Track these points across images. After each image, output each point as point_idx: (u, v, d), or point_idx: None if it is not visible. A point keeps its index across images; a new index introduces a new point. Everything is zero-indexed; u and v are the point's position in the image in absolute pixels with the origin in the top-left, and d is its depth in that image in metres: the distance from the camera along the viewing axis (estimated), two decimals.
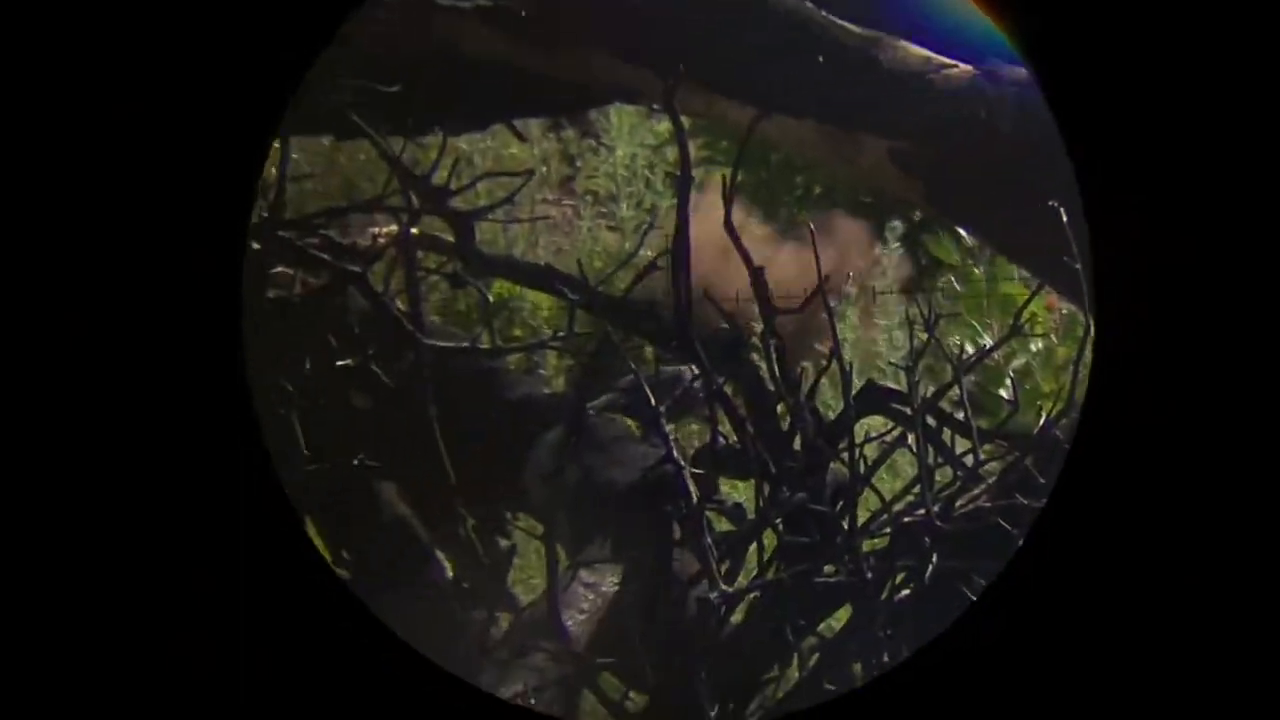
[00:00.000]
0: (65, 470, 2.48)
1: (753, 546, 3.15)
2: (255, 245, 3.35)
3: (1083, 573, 2.55)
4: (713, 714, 2.84)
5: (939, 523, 3.01)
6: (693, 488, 3.10)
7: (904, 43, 3.56)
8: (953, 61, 3.45)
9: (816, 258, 3.10)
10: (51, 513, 2.47)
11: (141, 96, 2.55)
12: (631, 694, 3.22)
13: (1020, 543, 2.88)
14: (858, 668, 3.03)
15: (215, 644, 2.50)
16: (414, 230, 3.52)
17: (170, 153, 2.56)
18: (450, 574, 3.69)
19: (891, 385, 3.47)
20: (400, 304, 3.49)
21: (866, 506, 3.16)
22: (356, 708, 2.58)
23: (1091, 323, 2.98)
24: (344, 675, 2.57)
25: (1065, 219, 2.92)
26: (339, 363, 3.44)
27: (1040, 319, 5.85)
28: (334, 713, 2.56)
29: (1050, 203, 2.95)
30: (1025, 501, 3.01)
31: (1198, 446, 2.53)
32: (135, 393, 2.52)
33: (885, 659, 2.98)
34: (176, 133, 2.56)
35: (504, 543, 3.73)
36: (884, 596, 3.03)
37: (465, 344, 3.62)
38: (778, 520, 3.10)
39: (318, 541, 4.03)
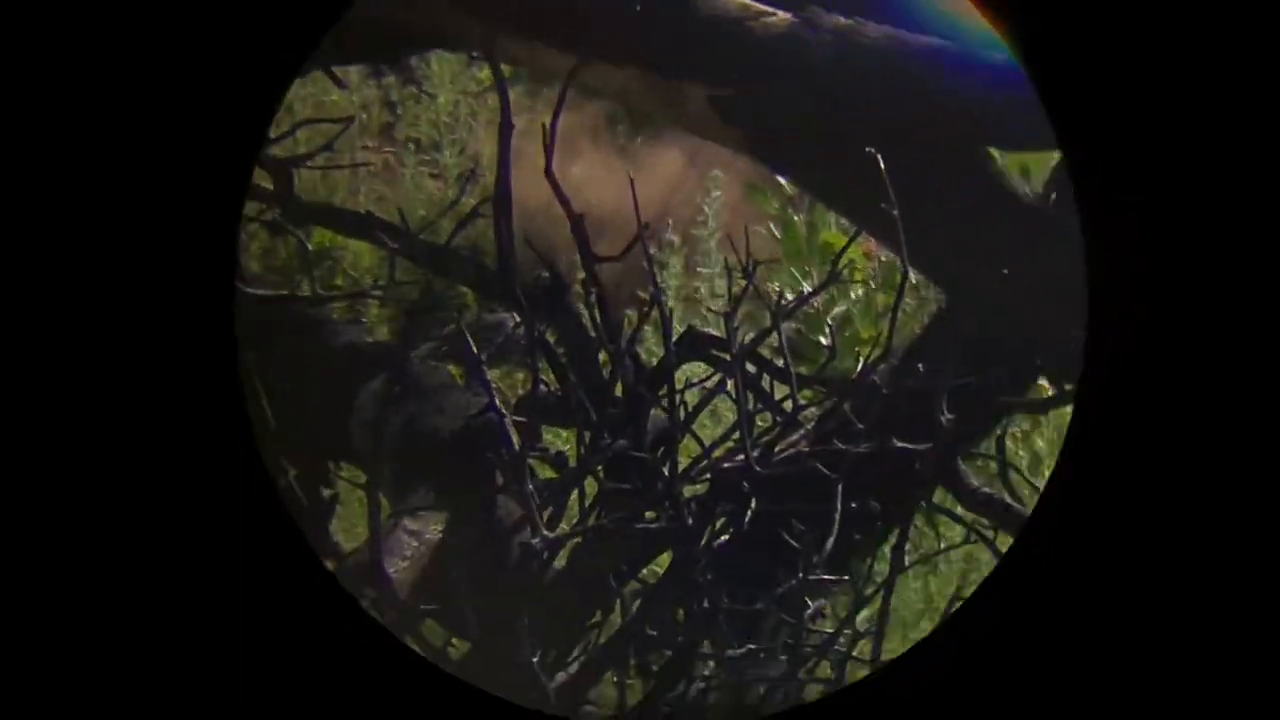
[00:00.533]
0: (60, 469, 2.45)
1: (575, 493, 3.16)
2: None
3: (1079, 572, 2.56)
4: (535, 659, 2.85)
5: (758, 468, 3.04)
6: (515, 435, 3.10)
7: None
8: (771, 9, 3.46)
9: (636, 206, 3.11)
10: (50, 511, 2.44)
11: (126, 101, 2.51)
12: (454, 640, 3.23)
13: (841, 494, 2.92)
14: (680, 613, 3.06)
15: (211, 640, 2.48)
16: None
17: (158, 148, 2.52)
18: None
19: (712, 331, 3.49)
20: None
21: (687, 453, 3.19)
22: (352, 705, 2.56)
23: (908, 270, 3.02)
24: (338, 673, 2.55)
25: (882, 165, 2.95)
26: None
27: (859, 266, 5.91)
28: (331, 711, 2.54)
29: (867, 149, 2.98)
30: (843, 447, 3.05)
31: (1193, 446, 2.54)
32: (128, 388, 2.48)
33: (705, 604, 3.01)
34: (163, 131, 2.52)
35: (326, 491, 3.72)
36: (704, 542, 3.06)
37: (284, 292, 3.60)
38: (599, 467, 3.12)
39: None
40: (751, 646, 2.98)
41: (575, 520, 3.17)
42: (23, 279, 2.47)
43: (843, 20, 3.39)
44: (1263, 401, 2.53)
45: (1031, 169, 3.35)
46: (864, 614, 3.07)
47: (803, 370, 3.27)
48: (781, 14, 3.46)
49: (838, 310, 5.95)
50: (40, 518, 2.45)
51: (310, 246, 3.98)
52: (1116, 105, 2.59)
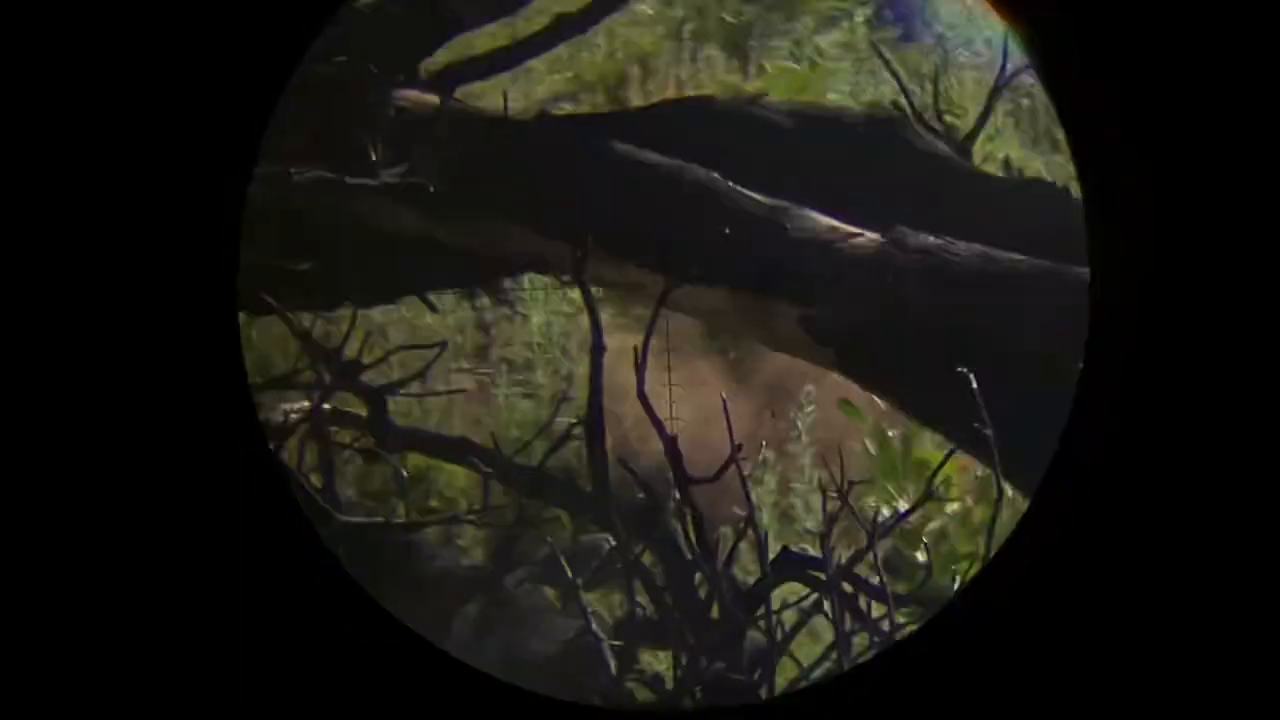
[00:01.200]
0: (60, 467, 2.46)
1: None
2: None
3: (1078, 569, 2.53)
4: None
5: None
6: (612, 659, 3.09)
7: (810, 211, 3.60)
8: (859, 230, 3.49)
9: (729, 427, 3.12)
10: (48, 510, 2.45)
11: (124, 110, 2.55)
12: None
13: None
14: None
15: (213, 633, 2.48)
16: (326, 406, 3.52)
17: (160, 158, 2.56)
18: None
19: (808, 550, 3.47)
20: (314, 480, 3.48)
21: (784, 673, 3.16)
22: (359, 694, 2.55)
23: (1004, 485, 3.01)
24: (345, 662, 2.54)
25: (974, 384, 2.95)
26: None
27: (954, 482, 5.87)
28: (337, 699, 2.53)
29: (959, 369, 2.99)
30: None
31: (1194, 446, 2.52)
32: (132, 388, 2.50)
33: None
34: (163, 144, 2.56)
35: None
36: None
37: (380, 519, 3.61)
38: (697, 689, 3.09)
39: None
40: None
41: None
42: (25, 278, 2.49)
43: (930, 239, 3.41)
44: (1265, 400, 2.50)
45: None
46: None
47: (900, 589, 3.24)
48: (869, 234, 3.49)
49: (933, 526, 5.91)
50: (39, 517, 2.45)
51: (405, 472, 4.00)
52: (1129, 103, 2.58)
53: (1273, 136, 2.53)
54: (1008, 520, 4.49)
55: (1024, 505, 4.02)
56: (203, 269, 2.56)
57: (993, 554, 3.12)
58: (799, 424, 6.75)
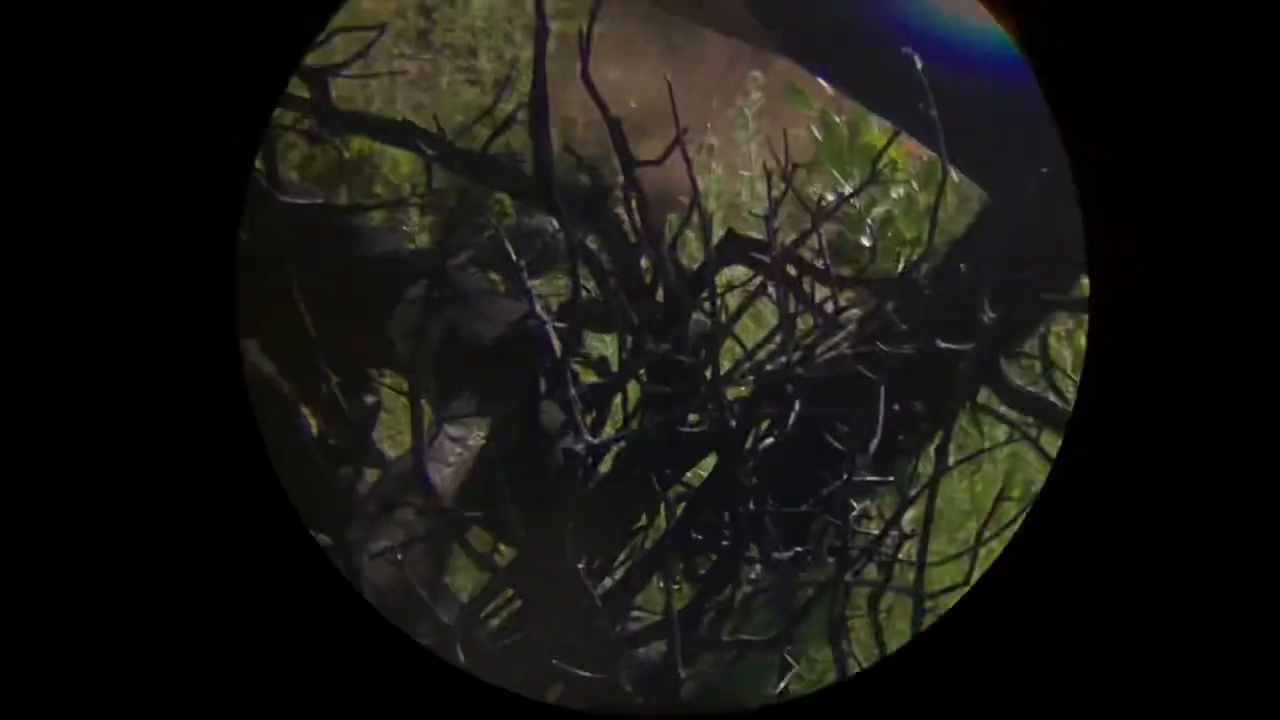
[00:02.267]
0: (57, 464, 2.45)
1: (618, 398, 3.16)
2: None
3: (1079, 570, 2.55)
4: (581, 564, 2.86)
5: (801, 370, 3.04)
6: (557, 341, 3.10)
7: None
8: None
9: (674, 109, 3.09)
10: (48, 508, 2.44)
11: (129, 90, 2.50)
12: (501, 546, 3.24)
13: (884, 396, 2.91)
14: (725, 516, 3.07)
15: (211, 633, 2.49)
16: None
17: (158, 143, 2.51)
18: (315, 431, 3.68)
19: (753, 234, 3.48)
20: (257, 162, 3.45)
21: (730, 356, 3.18)
22: (352, 697, 2.57)
23: (949, 169, 3.00)
24: (339, 664, 2.56)
25: (919, 66, 2.93)
26: None
27: (900, 166, 5.89)
28: (332, 702, 2.55)
29: (904, 49, 2.96)
30: (886, 348, 3.04)
31: (1196, 444, 2.53)
32: (124, 378, 2.48)
33: (751, 507, 3.01)
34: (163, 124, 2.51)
35: (369, 399, 3.73)
36: (748, 445, 3.06)
37: (322, 200, 3.59)
38: (642, 371, 3.11)
39: None
40: (798, 549, 2.98)
41: (619, 425, 3.17)
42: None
43: None
44: (1267, 399, 2.51)
45: None
46: (910, 515, 3.07)
47: (845, 272, 3.26)
48: None
49: (879, 211, 5.93)
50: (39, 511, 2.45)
51: (348, 155, 3.97)
52: (1125, 104, 2.57)
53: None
54: (952, 205, 4.52)
55: (970, 191, 4.04)
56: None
57: (934, 241, 3.13)
58: (745, 111, 6.74)
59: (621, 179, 3.21)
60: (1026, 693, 2.53)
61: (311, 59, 3.46)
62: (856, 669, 2.89)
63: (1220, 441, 2.50)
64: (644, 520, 3.13)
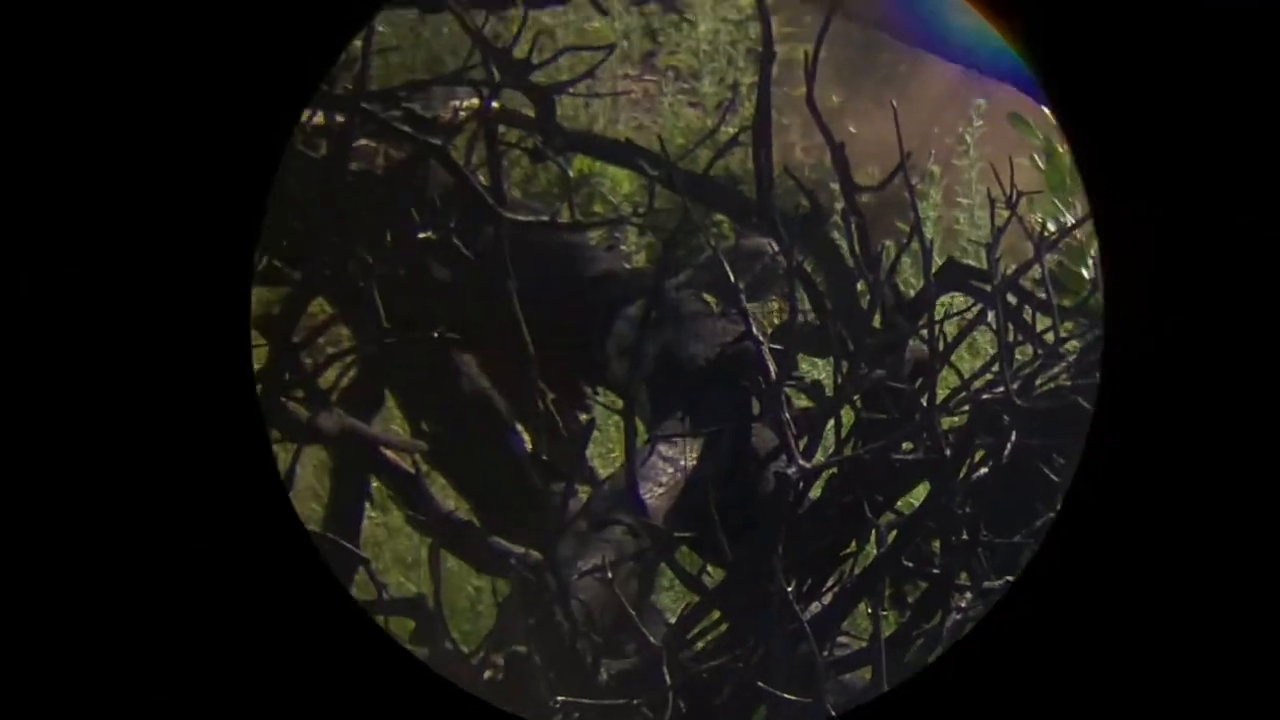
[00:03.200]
0: (62, 464, 2.49)
1: (831, 423, 3.15)
2: (339, 118, 3.36)
3: (1096, 577, 2.53)
4: (789, 588, 2.85)
5: (1018, 400, 3.00)
6: (771, 364, 3.10)
7: None
8: None
9: (899, 135, 3.08)
10: (49, 507, 2.48)
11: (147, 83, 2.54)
12: (709, 568, 3.25)
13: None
14: (936, 545, 3.04)
15: (208, 636, 2.51)
16: (495, 104, 3.52)
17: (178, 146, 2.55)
18: (529, 447, 3.72)
19: (972, 263, 3.46)
20: (481, 178, 3.49)
21: (945, 384, 3.16)
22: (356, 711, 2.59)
23: None
24: (342, 677, 2.57)
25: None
26: (420, 235, 3.45)
27: None
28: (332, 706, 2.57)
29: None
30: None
31: (1213, 446, 2.51)
32: (127, 379, 2.52)
33: (964, 536, 2.99)
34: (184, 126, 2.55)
35: (583, 416, 3.76)
36: (962, 474, 3.03)
37: (545, 218, 3.62)
38: (856, 397, 3.10)
39: (396, 414, 4.08)
40: (1009, 579, 2.95)
41: (831, 450, 3.16)
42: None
43: None
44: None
45: None
46: None
47: (1065, 303, 3.22)
48: None
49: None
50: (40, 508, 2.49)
51: (570, 173, 4.00)
52: (1129, 107, 2.53)
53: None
54: None
55: None
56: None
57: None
58: (967, 138, 6.69)
59: (841, 204, 3.20)
60: None
61: (538, 77, 3.50)
62: None
63: (1229, 443, 2.49)
64: (853, 546, 3.11)
